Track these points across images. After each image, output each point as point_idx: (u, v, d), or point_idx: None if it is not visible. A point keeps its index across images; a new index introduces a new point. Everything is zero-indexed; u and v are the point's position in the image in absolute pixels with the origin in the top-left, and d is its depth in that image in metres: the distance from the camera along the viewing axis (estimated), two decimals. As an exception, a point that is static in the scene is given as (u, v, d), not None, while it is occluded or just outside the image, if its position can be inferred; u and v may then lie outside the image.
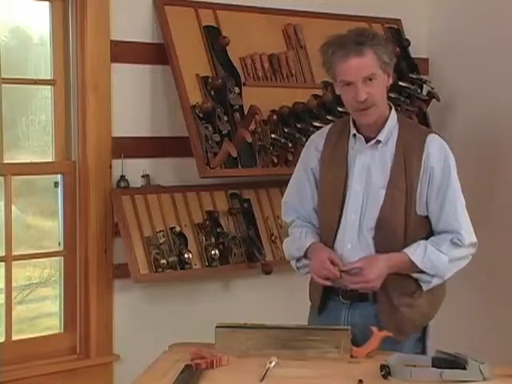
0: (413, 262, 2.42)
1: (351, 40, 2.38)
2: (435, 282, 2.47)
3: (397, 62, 3.78)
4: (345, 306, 2.54)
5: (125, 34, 3.22)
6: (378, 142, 2.48)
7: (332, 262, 2.45)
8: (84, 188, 3.19)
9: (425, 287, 2.48)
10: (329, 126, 2.67)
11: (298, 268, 2.63)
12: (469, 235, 2.47)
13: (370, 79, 2.38)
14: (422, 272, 2.45)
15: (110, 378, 3.28)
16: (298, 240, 2.59)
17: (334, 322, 2.49)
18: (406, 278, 2.47)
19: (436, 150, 2.46)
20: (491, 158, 3.83)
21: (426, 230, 2.50)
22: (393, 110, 2.53)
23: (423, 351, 2.54)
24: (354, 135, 2.52)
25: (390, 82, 2.48)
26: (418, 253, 2.43)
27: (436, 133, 2.55)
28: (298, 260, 2.61)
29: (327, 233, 2.55)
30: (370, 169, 2.48)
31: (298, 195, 2.66)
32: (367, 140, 2.50)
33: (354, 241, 2.48)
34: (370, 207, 2.47)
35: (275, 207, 3.50)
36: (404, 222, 2.45)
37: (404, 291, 2.48)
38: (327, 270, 2.44)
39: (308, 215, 2.65)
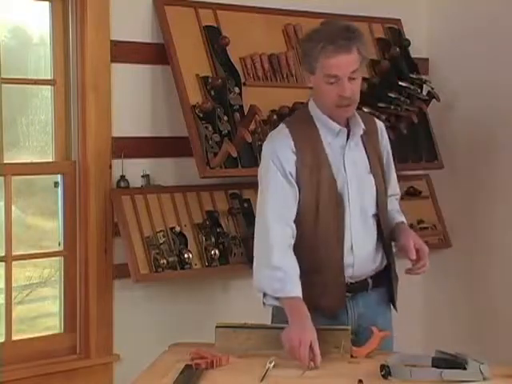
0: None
1: (340, 35, 2.40)
2: None
3: (397, 62, 3.83)
4: (348, 299, 2.58)
5: (125, 34, 3.22)
6: (365, 133, 2.59)
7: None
8: (84, 188, 3.19)
9: None
10: (287, 131, 2.53)
11: (264, 303, 2.48)
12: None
13: (353, 77, 2.43)
14: None
15: (110, 378, 3.28)
16: (281, 280, 2.39)
17: (341, 314, 2.55)
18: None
19: (384, 131, 2.70)
20: (491, 157, 3.83)
21: None
22: None
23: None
24: (339, 131, 2.53)
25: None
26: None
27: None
28: (265, 296, 2.45)
29: (331, 233, 2.52)
30: (356, 161, 2.56)
31: (285, 202, 2.48)
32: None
33: (362, 233, 2.55)
34: (367, 197, 2.57)
35: (275, 207, 3.50)
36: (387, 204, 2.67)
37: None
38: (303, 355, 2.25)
39: (292, 219, 2.49)
